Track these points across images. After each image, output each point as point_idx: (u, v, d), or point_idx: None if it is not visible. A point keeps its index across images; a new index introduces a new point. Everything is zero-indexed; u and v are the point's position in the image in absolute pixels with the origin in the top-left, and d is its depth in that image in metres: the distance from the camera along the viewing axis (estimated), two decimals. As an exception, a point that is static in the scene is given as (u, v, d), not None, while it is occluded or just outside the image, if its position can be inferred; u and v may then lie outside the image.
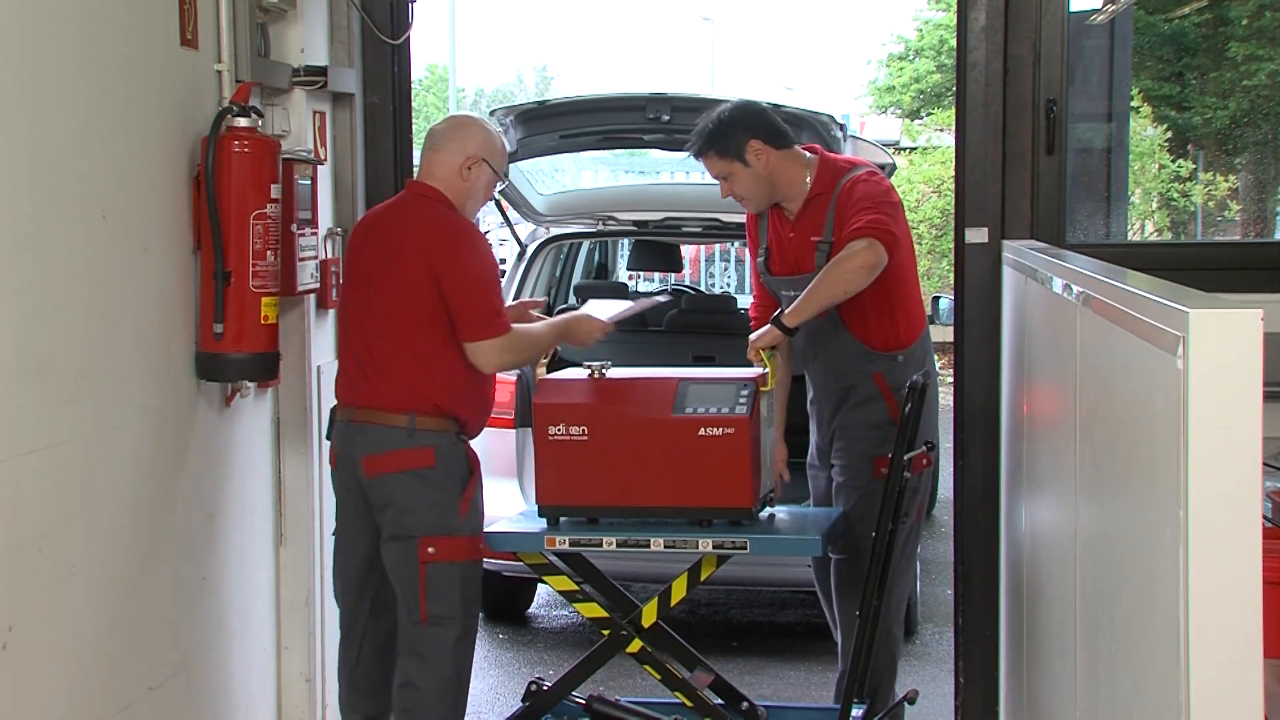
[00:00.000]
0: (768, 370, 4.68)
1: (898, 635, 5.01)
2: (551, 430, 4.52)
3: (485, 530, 4.58)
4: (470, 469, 4.48)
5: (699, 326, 7.99)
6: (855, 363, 4.89)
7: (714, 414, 4.50)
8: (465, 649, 4.48)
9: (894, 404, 4.84)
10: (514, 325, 4.47)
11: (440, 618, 4.37)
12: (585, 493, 4.54)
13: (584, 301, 8.44)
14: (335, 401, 4.50)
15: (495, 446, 6.80)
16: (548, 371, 4.65)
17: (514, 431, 6.82)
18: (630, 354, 6.92)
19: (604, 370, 4.57)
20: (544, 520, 4.58)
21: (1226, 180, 18.13)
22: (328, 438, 4.53)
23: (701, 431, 4.50)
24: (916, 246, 16.45)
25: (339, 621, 4.60)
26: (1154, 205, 17.64)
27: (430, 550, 4.34)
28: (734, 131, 4.80)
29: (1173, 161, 17.79)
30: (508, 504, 6.63)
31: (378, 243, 4.42)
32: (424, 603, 4.35)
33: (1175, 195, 17.77)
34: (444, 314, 4.37)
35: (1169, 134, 17.82)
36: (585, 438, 4.50)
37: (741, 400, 4.53)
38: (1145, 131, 17.38)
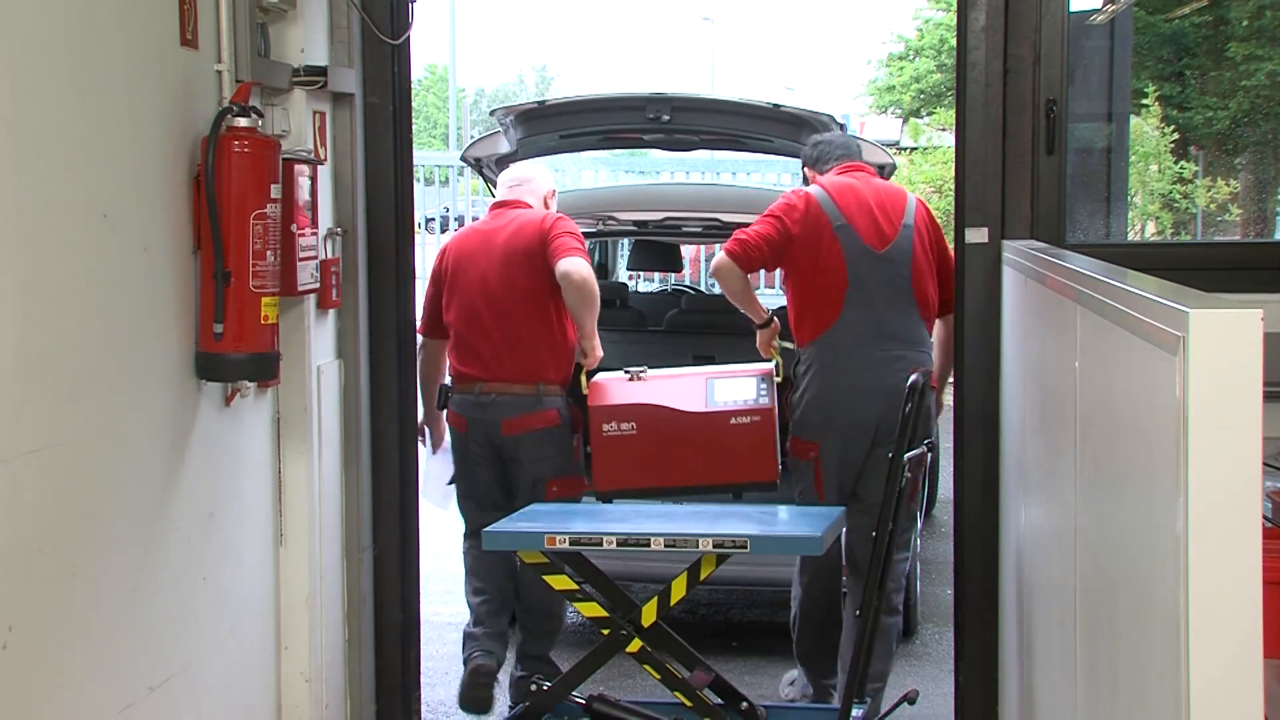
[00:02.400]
0: (778, 362, 5.62)
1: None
2: (606, 428, 5.53)
3: (485, 530, 4.64)
4: (575, 421, 5.63)
5: (699, 326, 7.99)
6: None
7: (742, 405, 5.49)
8: None
9: (788, 389, 5.60)
10: None
11: None
12: (636, 477, 5.51)
13: None
14: (449, 378, 5.71)
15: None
16: (588, 378, 5.63)
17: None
18: (631, 354, 6.91)
19: (641, 375, 5.64)
20: (548, 520, 4.61)
21: (1228, 184, 18.11)
22: (440, 408, 5.72)
23: (732, 421, 5.48)
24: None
25: (469, 555, 5.70)
26: (1157, 207, 17.60)
27: (554, 489, 5.53)
28: (802, 156, 5.93)
29: (1176, 164, 17.77)
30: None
31: (494, 248, 5.58)
32: None
33: (1177, 196, 17.75)
34: (558, 296, 5.48)
35: (1175, 135, 17.79)
36: (634, 432, 5.52)
37: (763, 392, 5.53)
38: (1149, 132, 17.33)
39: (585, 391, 5.65)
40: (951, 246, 5.12)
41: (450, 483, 5.81)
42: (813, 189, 5.57)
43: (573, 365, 5.63)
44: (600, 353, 5.60)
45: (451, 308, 5.66)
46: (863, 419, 5.39)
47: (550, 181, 5.91)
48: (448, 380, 5.76)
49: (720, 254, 5.51)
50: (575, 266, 5.40)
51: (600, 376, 5.67)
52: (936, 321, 5.59)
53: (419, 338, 5.63)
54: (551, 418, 5.54)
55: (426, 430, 5.85)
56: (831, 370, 5.41)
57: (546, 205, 5.78)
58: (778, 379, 5.60)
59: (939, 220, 5.83)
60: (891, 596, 5.34)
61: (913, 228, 5.49)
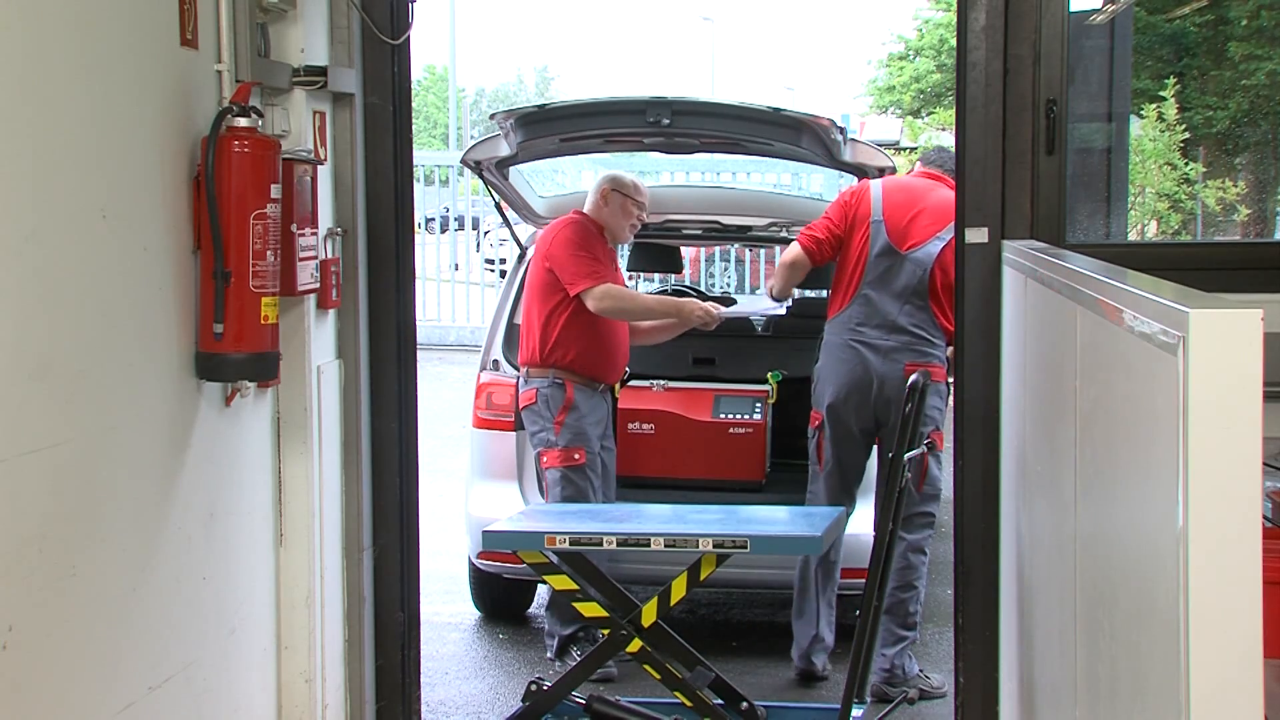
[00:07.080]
0: (771, 386, 6.88)
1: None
2: (630, 426, 6.85)
3: (484, 530, 4.65)
4: (565, 402, 6.29)
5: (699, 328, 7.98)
6: None
7: (740, 419, 6.82)
8: None
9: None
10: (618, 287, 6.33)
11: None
12: (650, 467, 6.78)
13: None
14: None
15: (495, 449, 6.81)
16: (620, 385, 6.75)
17: (513, 434, 6.82)
18: (632, 355, 6.93)
19: (662, 386, 6.97)
20: (548, 520, 4.60)
21: (1236, 185, 18.07)
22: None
23: (731, 430, 6.80)
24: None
25: None
26: (1165, 207, 17.56)
27: (544, 460, 6.33)
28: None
29: (1185, 164, 17.73)
30: (508, 504, 6.64)
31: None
32: (546, 497, 6.36)
33: (1182, 197, 17.72)
34: (553, 286, 6.28)
35: (1186, 134, 17.74)
36: (652, 431, 6.84)
37: (758, 409, 6.85)
38: (1156, 133, 17.29)
39: (617, 396, 6.76)
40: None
41: None
42: (872, 182, 6.35)
43: (590, 352, 6.38)
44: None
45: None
46: (852, 400, 6.13)
47: (608, 182, 6.66)
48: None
49: (795, 247, 6.33)
50: (591, 302, 6.45)
51: (629, 385, 6.90)
52: None
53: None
54: (529, 397, 6.37)
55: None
56: (833, 349, 6.18)
57: (604, 202, 6.60)
58: (771, 400, 6.85)
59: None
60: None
61: (948, 242, 5.95)
